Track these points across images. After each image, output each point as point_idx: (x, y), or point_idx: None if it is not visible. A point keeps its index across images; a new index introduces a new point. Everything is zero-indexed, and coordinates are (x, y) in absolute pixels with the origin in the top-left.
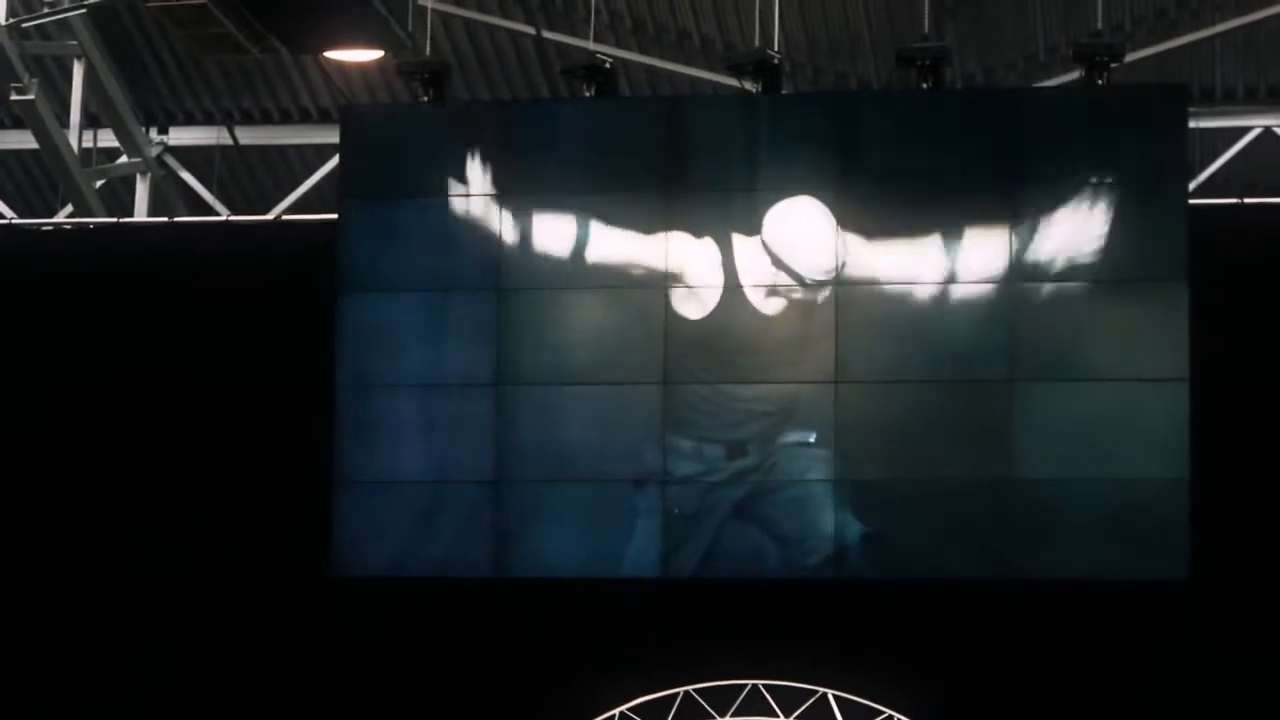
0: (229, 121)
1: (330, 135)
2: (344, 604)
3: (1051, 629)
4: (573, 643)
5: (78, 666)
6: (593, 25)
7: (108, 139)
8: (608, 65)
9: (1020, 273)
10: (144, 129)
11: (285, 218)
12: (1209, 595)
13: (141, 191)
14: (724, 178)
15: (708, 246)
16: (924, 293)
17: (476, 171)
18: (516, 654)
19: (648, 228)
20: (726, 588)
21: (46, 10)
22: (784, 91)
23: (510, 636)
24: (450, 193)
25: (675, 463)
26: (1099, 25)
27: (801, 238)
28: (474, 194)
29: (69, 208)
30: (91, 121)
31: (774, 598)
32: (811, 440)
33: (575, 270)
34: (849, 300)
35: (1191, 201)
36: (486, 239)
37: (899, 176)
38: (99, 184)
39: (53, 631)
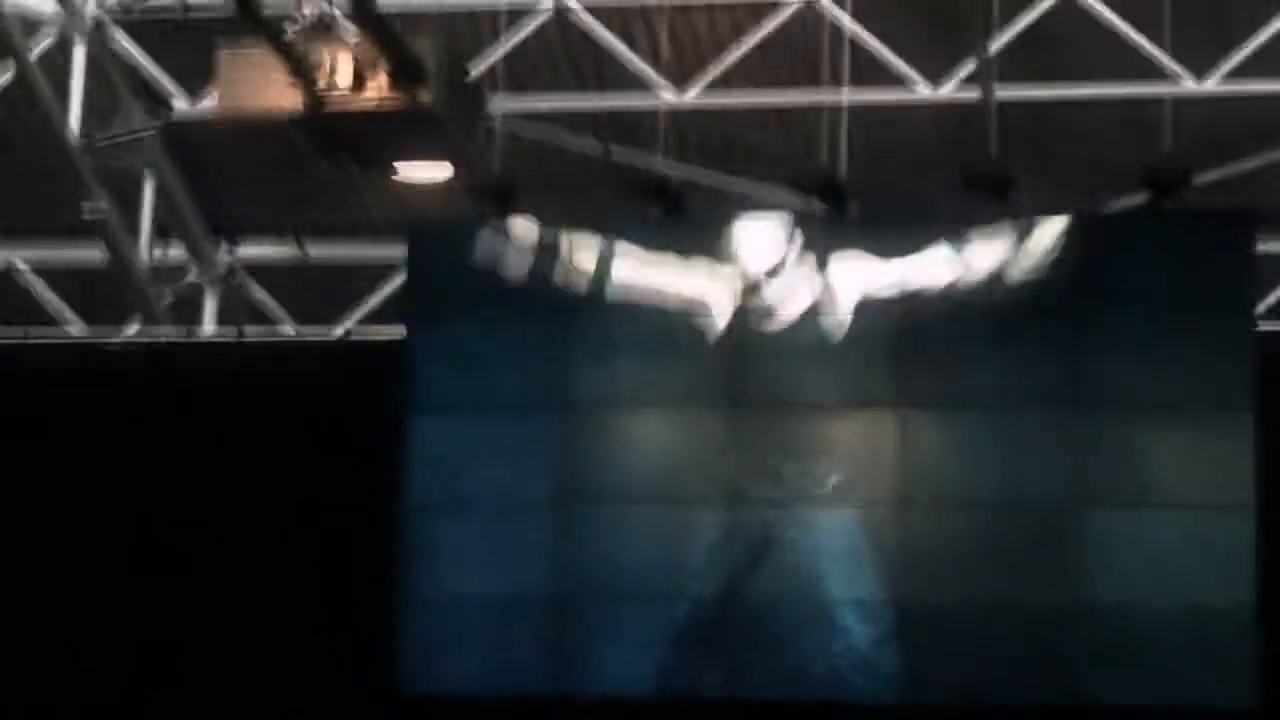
0: (298, 235)
1: (398, 250)
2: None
3: None
4: None
5: None
6: (661, 144)
7: (177, 252)
8: (674, 183)
9: (1090, 398)
10: (213, 242)
11: (353, 336)
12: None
13: (210, 306)
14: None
15: (771, 364)
16: (995, 417)
17: (542, 289)
18: None
19: (713, 344)
20: (794, 709)
21: (122, 131)
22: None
23: None
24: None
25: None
26: (1166, 148)
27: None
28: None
29: (138, 322)
30: (161, 234)
31: None
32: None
33: (640, 389)
34: (917, 424)
35: (1260, 327)
36: (552, 357)
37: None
38: (168, 301)
39: None
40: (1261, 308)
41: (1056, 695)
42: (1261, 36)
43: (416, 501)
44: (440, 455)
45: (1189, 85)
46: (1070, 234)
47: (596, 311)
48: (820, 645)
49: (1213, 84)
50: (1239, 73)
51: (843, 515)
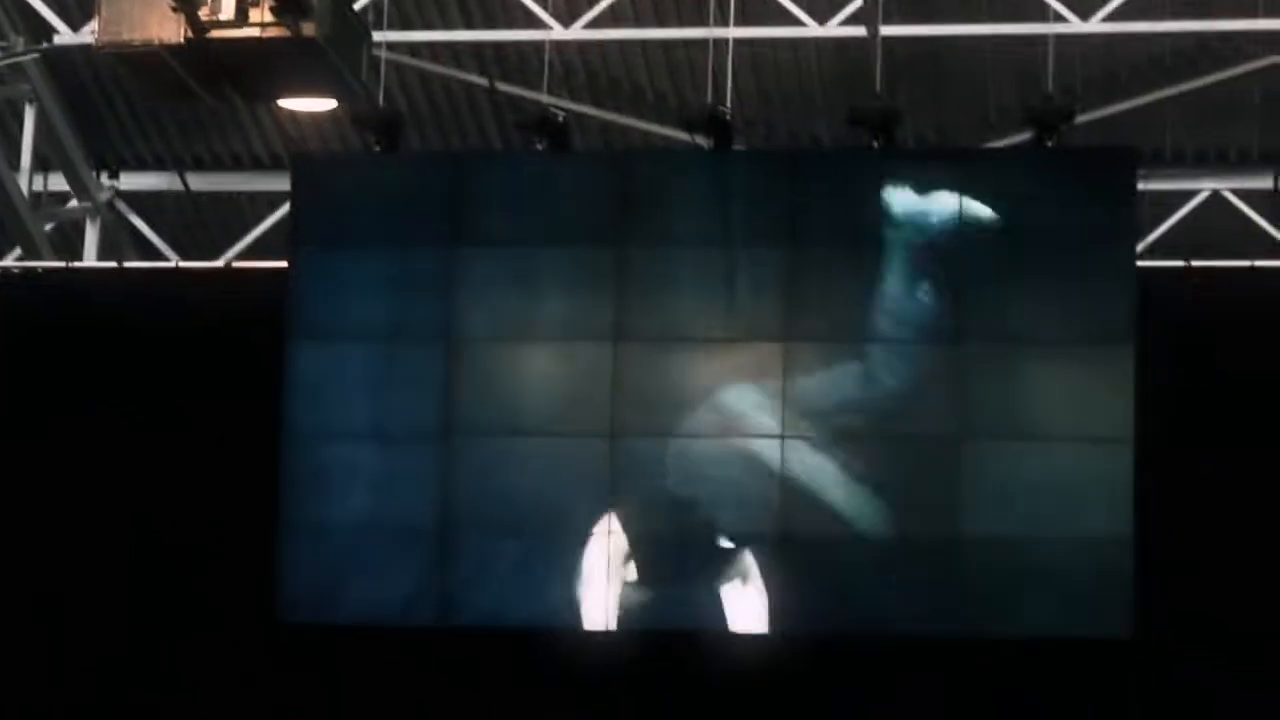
0: (180, 167)
1: (282, 182)
2: (288, 650)
3: (998, 687)
4: (516, 695)
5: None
6: (546, 78)
7: (58, 183)
8: (561, 119)
9: (969, 332)
10: (95, 173)
11: (235, 264)
12: (1153, 654)
13: (91, 236)
14: (674, 232)
15: (655, 300)
16: (872, 350)
17: (427, 222)
18: (457, 706)
19: (597, 281)
20: (676, 641)
21: (0, 55)
22: (736, 148)
23: (452, 687)
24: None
25: (623, 518)
26: (1050, 88)
27: (748, 292)
28: (424, 244)
29: (17, 251)
30: (42, 165)
31: (724, 652)
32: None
33: (524, 322)
34: (796, 354)
35: (1140, 264)
36: (436, 289)
37: (847, 234)
38: (48, 228)
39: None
40: (1142, 246)
41: (942, 626)
42: None
43: (299, 429)
44: (323, 384)
45: (1074, 24)
46: (953, 170)
47: (480, 243)
48: (705, 577)
49: (1096, 23)
50: (1122, 13)
51: (725, 448)
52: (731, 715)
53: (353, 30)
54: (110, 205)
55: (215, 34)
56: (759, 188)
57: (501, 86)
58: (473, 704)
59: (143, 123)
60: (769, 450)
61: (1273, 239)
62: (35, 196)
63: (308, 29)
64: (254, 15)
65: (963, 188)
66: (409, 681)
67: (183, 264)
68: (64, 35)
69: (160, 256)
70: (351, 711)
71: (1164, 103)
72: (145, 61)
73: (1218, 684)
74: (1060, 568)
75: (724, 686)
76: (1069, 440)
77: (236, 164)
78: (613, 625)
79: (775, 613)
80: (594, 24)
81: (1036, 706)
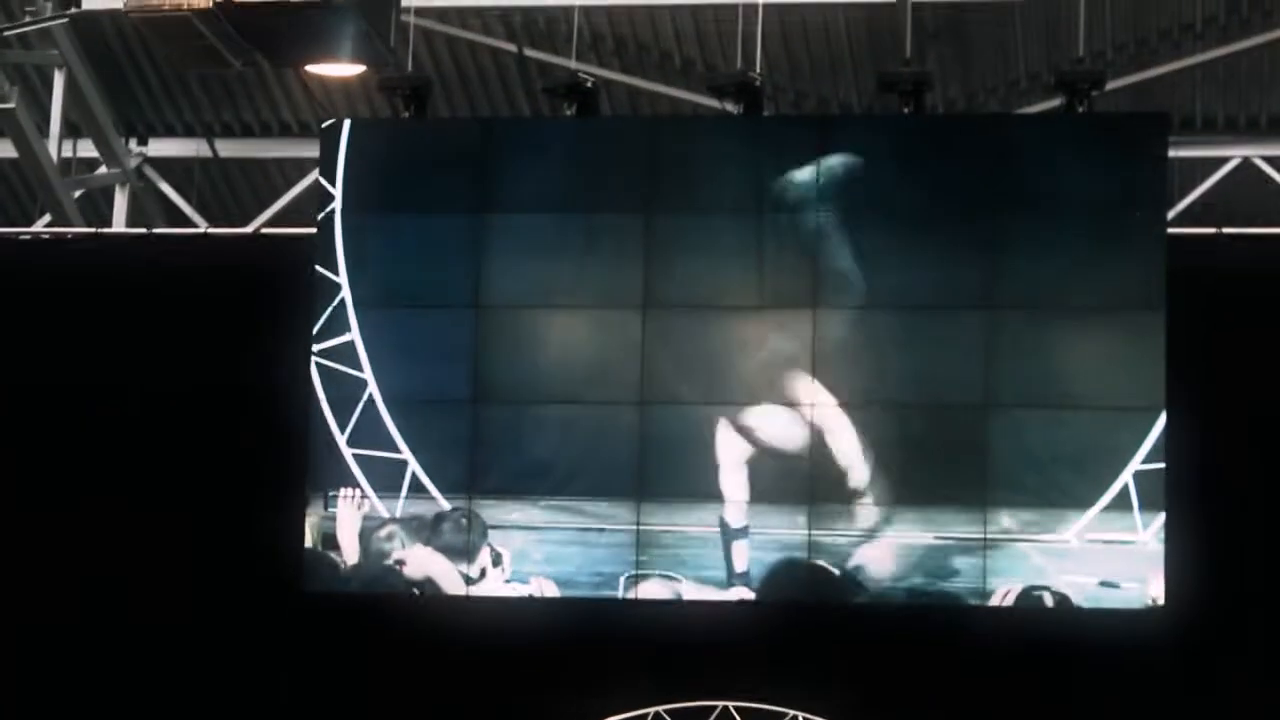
0: (209, 133)
1: (310, 149)
2: (317, 619)
3: (1026, 654)
4: (542, 661)
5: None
6: (575, 44)
7: (87, 149)
8: (589, 85)
9: (998, 298)
10: (124, 140)
11: (264, 231)
12: (1183, 616)
13: (120, 202)
14: (704, 199)
15: (684, 267)
16: (901, 316)
17: (456, 188)
18: (483, 672)
19: (627, 247)
20: (699, 609)
21: (29, 19)
22: (765, 114)
23: (478, 654)
24: (430, 209)
25: (653, 507)
26: (1080, 53)
27: (776, 259)
28: (454, 210)
29: (47, 217)
30: (71, 131)
31: (745, 619)
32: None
33: (553, 289)
34: (827, 321)
35: (1169, 231)
36: (464, 255)
37: (877, 199)
38: (78, 194)
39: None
40: (1172, 213)
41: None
42: None
43: (332, 397)
44: (350, 347)
45: None
46: (984, 136)
47: (509, 210)
48: (725, 549)
49: None
50: None
51: (760, 414)
52: (759, 678)
53: None
54: (139, 172)
55: None
56: (789, 153)
57: (530, 52)
58: (494, 672)
59: (171, 89)
60: (795, 418)
61: None
62: (64, 163)
63: None
64: None
65: (992, 153)
66: (433, 646)
67: (211, 230)
68: (93, 1)
69: (189, 223)
70: (377, 676)
71: (1194, 69)
72: (174, 27)
73: (1240, 652)
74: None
75: (749, 653)
76: (1099, 409)
77: (265, 131)
78: (632, 595)
79: (804, 585)
80: None
81: (1069, 673)
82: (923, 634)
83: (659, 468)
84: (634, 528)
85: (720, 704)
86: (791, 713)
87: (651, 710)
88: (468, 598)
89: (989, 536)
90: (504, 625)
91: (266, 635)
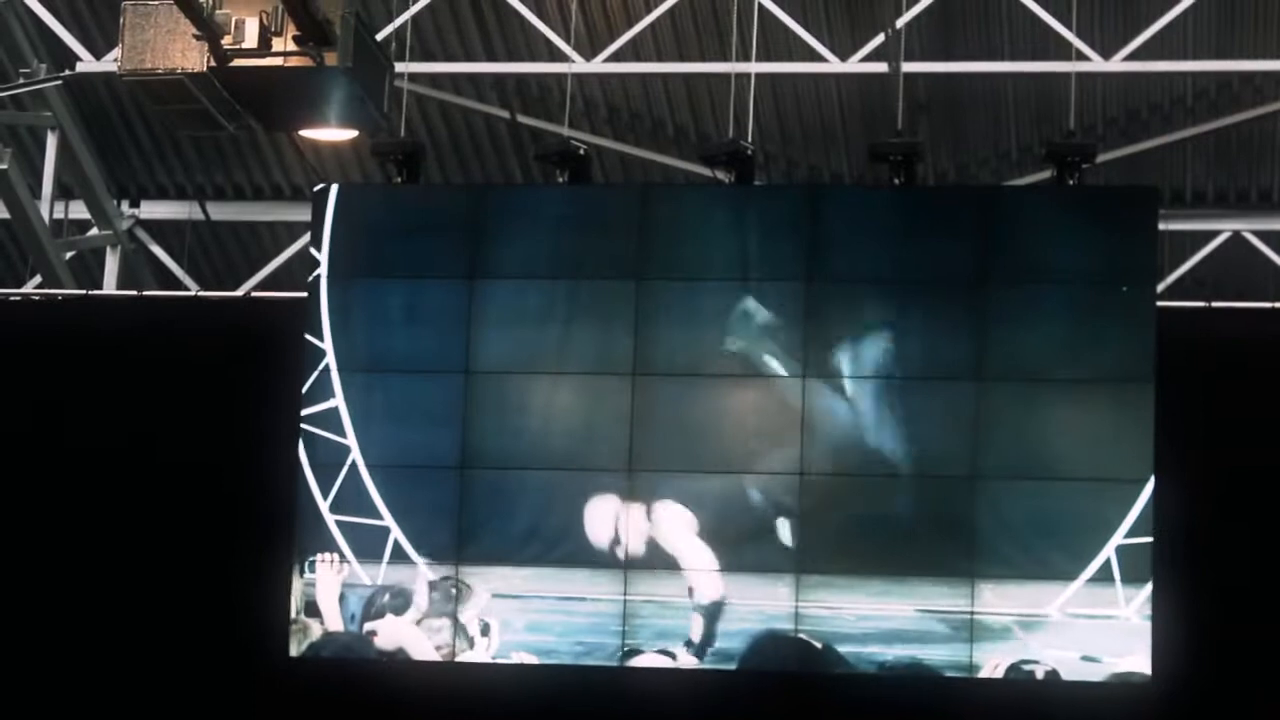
0: (201, 196)
1: (302, 212)
2: (304, 684)
3: None
4: None
5: None
6: (568, 111)
7: (79, 211)
8: (582, 151)
9: (987, 370)
10: (115, 202)
11: (254, 294)
12: (1171, 692)
13: (111, 264)
14: (694, 266)
15: (675, 334)
16: (890, 386)
17: (447, 253)
18: None
19: (618, 314)
20: (690, 679)
21: (22, 81)
22: (756, 183)
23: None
24: (420, 275)
25: (640, 576)
26: (1071, 126)
27: (766, 329)
28: (444, 276)
29: (38, 278)
30: (63, 193)
31: (731, 689)
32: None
33: (543, 355)
34: (816, 392)
35: (1160, 304)
36: (454, 321)
37: (868, 270)
38: (69, 255)
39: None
40: (1162, 286)
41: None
42: (1166, 17)
43: (316, 463)
44: (337, 416)
45: (1095, 63)
46: (975, 208)
47: (499, 276)
48: (717, 617)
49: (1118, 62)
50: (1143, 52)
51: (741, 483)
52: None
53: (375, 61)
54: (130, 234)
55: (238, 63)
56: (779, 223)
57: (522, 119)
58: None
59: (164, 151)
60: (789, 488)
61: None
62: (56, 224)
63: (330, 59)
64: (277, 44)
65: (982, 225)
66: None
67: (202, 293)
68: (86, 63)
69: (180, 286)
70: None
71: (1185, 143)
72: (168, 90)
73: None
74: None
75: None
76: (1088, 480)
77: (257, 194)
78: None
79: (795, 658)
80: (615, 57)
81: None
82: (911, 707)
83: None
84: (620, 598)
85: None
86: None
87: None
88: (455, 663)
89: (973, 611)
90: (491, 692)
91: (247, 701)
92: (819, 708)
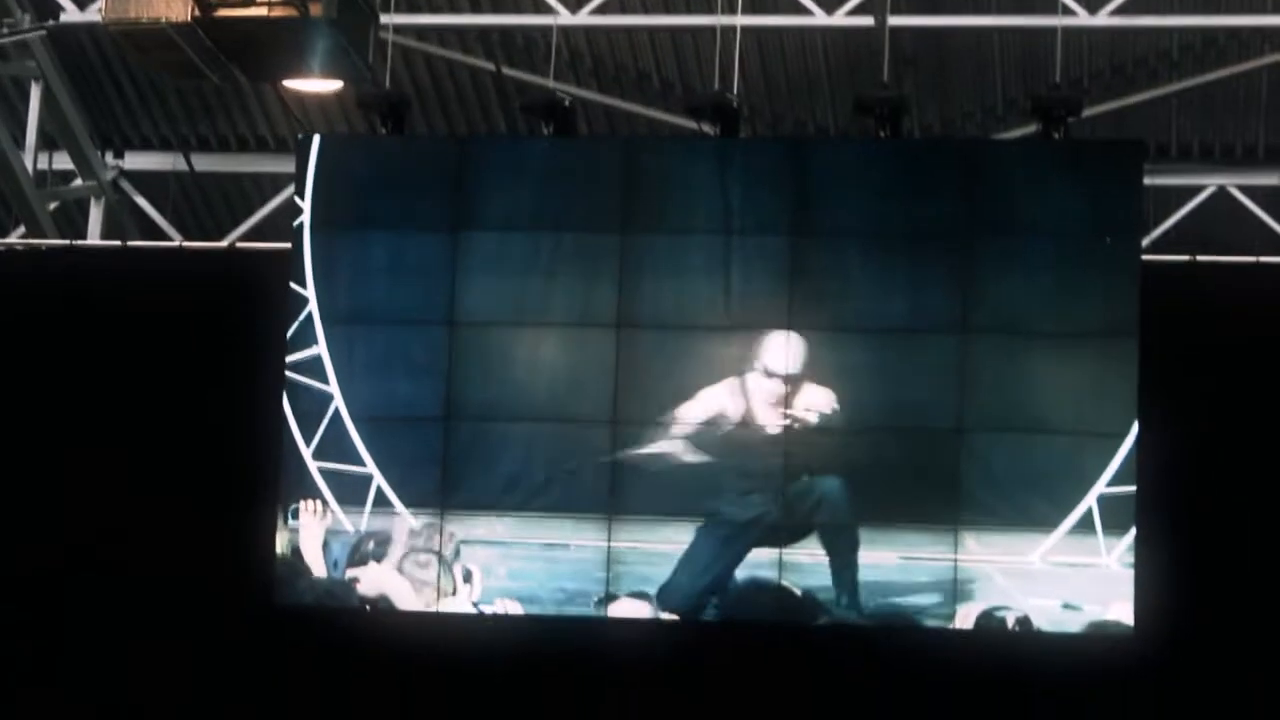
0: (185, 147)
1: (286, 165)
2: (288, 632)
3: (996, 674)
4: (512, 676)
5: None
6: (553, 64)
7: (63, 162)
8: (567, 104)
9: (972, 323)
10: (99, 153)
11: (239, 245)
12: (1157, 639)
13: (95, 215)
14: (679, 219)
15: (659, 287)
16: (875, 341)
17: (431, 205)
18: (452, 686)
19: (602, 266)
20: (669, 630)
21: (5, 31)
22: (741, 135)
23: (448, 669)
24: (405, 226)
25: (624, 523)
26: (1057, 79)
27: (751, 281)
28: (429, 228)
29: (21, 229)
30: (47, 143)
31: (723, 639)
32: None
33: (527, 308)
34: (798, 345)
35: (1144, 258)
36: (439, 273)
37: (853, 223)
38: (52, 206)
39: None
40: (1147, 241)
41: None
42: None
43: (299, 411)
44: (339, 370)
45: (1081, 17)
46: (959, 161)
47: (484, 228)
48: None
49: (1104, 16)
50: (1130, 7)
51: (727, 438)
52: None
53: (359, 12)
54: (114, 185)
55: (222, 13)
56: (764, 176)
57: (508, 71)
58: (463, 686)
59: (148, 102)
60: (772, 439)
61: (1277, 235)
62: (40, 175)
63: (315, 9)
64: None
65: (969, 178)
66: (399, 662)
67: (186, 244)
68: (70, 13)
69: (164, 237)
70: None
71: (1170, 97)
72: (152, 40)
73: (1212, 675)
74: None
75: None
76: (1070, 434)
77: (241, 145)
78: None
79: (782, 606)
80: (601, 9)
81: (1038, 698)
82: (891, 655)
83: (630, 485)
84: (604, 544)
85: None
86: None
87: None
88: (437, 614)
89: (955, 558)
90: (473, 642)
91: (230, 646)
92: (798, 660)
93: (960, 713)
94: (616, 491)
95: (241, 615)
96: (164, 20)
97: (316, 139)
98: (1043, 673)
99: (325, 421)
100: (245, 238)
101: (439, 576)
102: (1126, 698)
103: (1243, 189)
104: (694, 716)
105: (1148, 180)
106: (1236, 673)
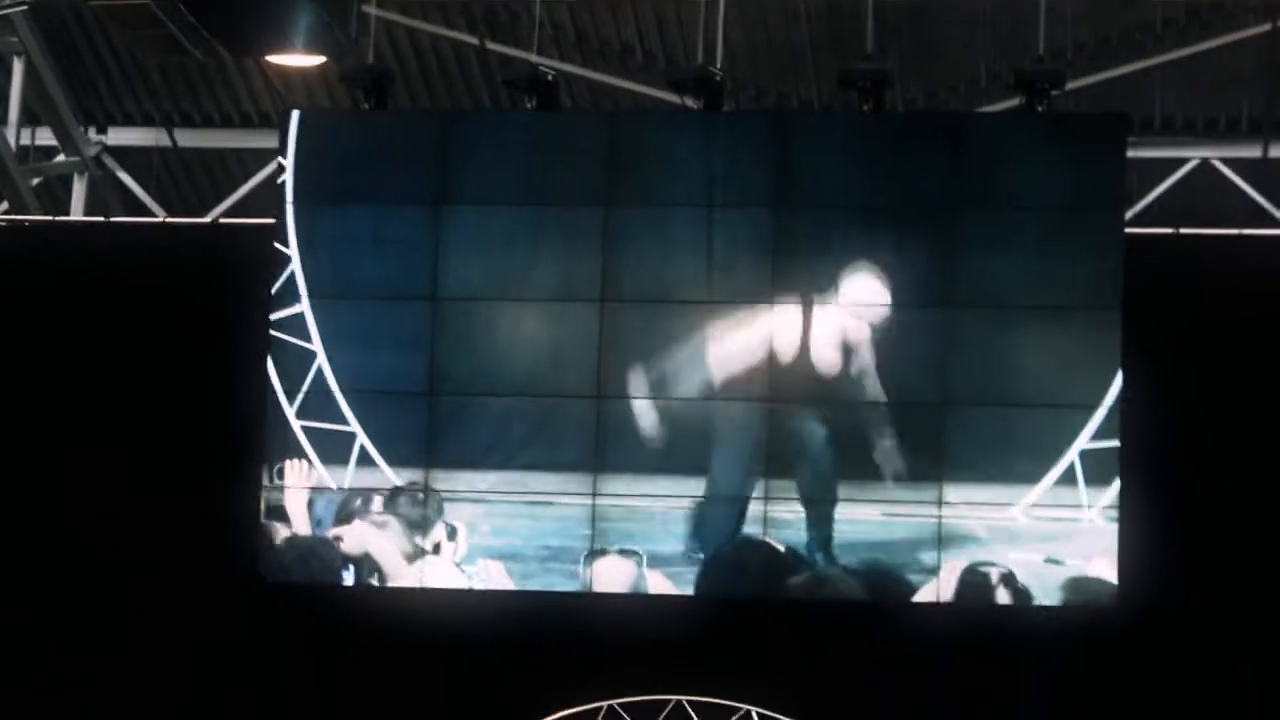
0: (168, 123)
1: (270, 140)
2: (277, 609)
3: (979, 650)
4: (497, 652)
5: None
6: (536, 37)
7: (46, 137)
8: (550, 78)
9: (955, 296)
10: (83, 128)
11: (222, 220)
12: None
13: (78, 191)
14: (662, 192)
15: (642, 260)
16: (859, 313)
17: (415, 179)
18: (439, 662)
19: (585, 240)
20: (658, 603)
21: None
22: (725, 109)
23: (435, 644)
24: (389, 200)
25: (608, 480)
26: (1041, 52)
27: (734, 254)
28: (412, 202)
29: (4, 204)
30: (30, 119)
31: (696, 610)
32: None
33: (511, 282)
34: (785, 318)
35: (1128, 230)
36: (423, 247)
37: (836, 196)
38: (36, 182)
39: None
40: (1130, 213)
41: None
42: None
43: (283, 369)
44: (325, 338)
45: None
46: (944, 134)
47: (468, 202)
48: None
49: None
50: None
51: (710, 410)
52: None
53: None
54: (98, 160)
55: None
56: (748, 149)
57: (491, 45)
58: (450, 662)
59: (131, 78)
60: (754, 412)
61: (1261, 207)
62: (23, 150)
63: None
64: None
65: (952, 152)
66: (386, 636)
67: (170, 219)
68: None
69: (147, 212)
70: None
71: (1154, 70)
72: (134, 15)
73: (1191, 649)
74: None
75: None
76: (1054, 406)
77: (225, 121)
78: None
79: (760, 577)
80: None
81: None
82: (873, 620)
83: (614, 447)
84: (589, 502)
85: (673, 699)
86: (745, 708)
87: (604, 704)
88: (420, 589)
89: (939, 515)
90: (456, 613)
91: (214, 610)
92: (780, 630)
93: (942, 679)
94: (600, 449)
95: (228, 587)
96: None
97: (299, 114)
98: (1028, 638)
99: (309, 379)
100: (229, 213)
101: (423, 533)
102: (1109, 671)
103: (1226, 161)
104: (690, 687)
105: (1131, 153)
106: (1218, 632)
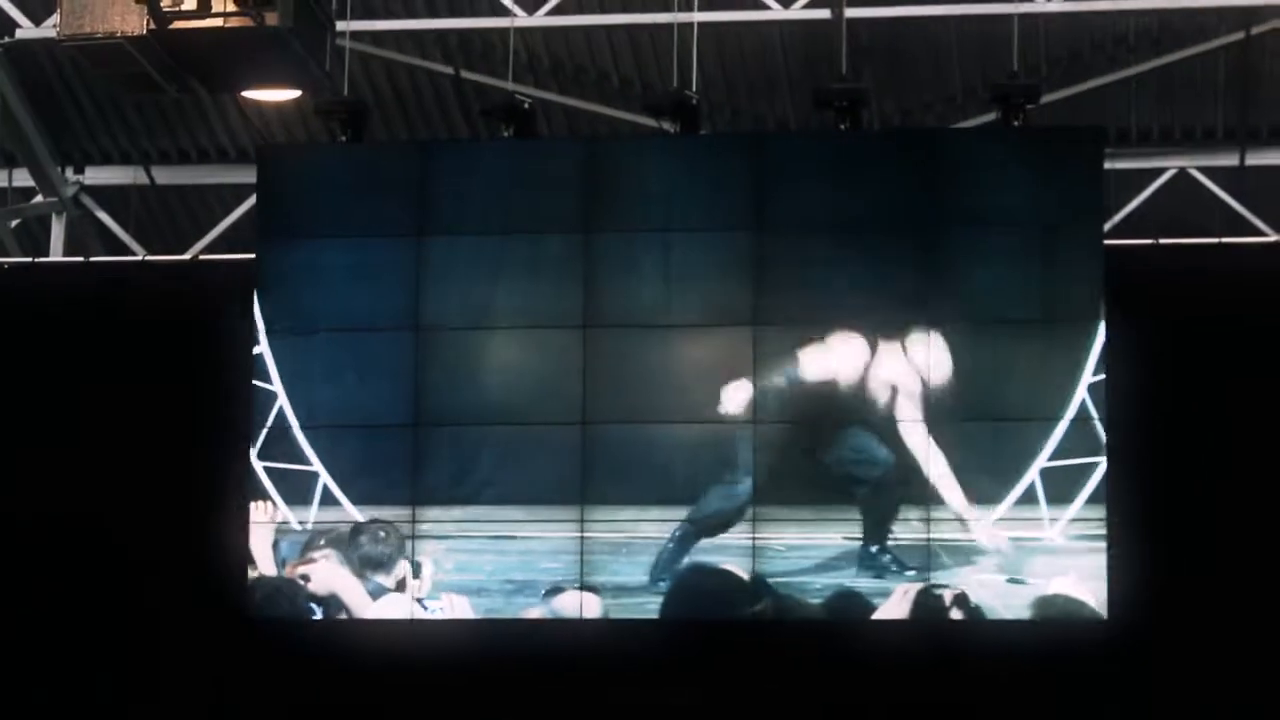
0: (145, 161)
1: (249, 175)
2: (262, 644)
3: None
4: (486, 683)
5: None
6: (511, 66)
7: (23, 178)
8: (526, 106)
9: (935, 313)
10: (60, 168)
11: (202, 257)
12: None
13: (57, 231)
14: (641, 217)
15: (624, 286)
16: (839, 332)
17: (394, 211)
18: (430, 693)
19: (565, 268)
20: (619, 628)
21: None
22: (702, 132)
23: (425, 676)
24: (368, 233)
25: (593, 507)
26: (1015, 67)
27: (715, 278)
28: (391, 234)
29: None
30: (7, 161)
31: (707, 639)
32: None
33: (493, 311)
34: (764, 340)
35: (1106, 242)
36: (403, 279)
37: (815, 215)
38: (14, 224)
39: None
40: (1109, 225)
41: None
42: None
43: (268, 424)
44: (293, 376)
45: (1037, 3)
46: (920, 151)
47: (448, 232)
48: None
49: (1060, 2)
50: None
51: (694, 433)
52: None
53: (316, 20)
54: (76, 200)
55: (178, 25)
56: (726, 172)
57: (466, 75)
58: (441, 692)
59: (107, 117)
60: (739, 435)
61: (1239, 215)
62: (0, 193)
63: (271, 19)
64: (216, 5)
65: (929, 169)
66: (376, 670)
67: (149, 258)
68: (26, 29)
69: (127, 251)
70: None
71: (1129, 81)
72: (108, 54)
73: (1186, 662)
74: None
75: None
76: (1035, 420)
77: (202, 157)
78: (590, 615)
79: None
80: (557, 10)
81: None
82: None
83: (604, 478)
84: (567, 534)
85: None
86: None
87: None
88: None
89: (899, 538)
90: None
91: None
92: (739, 654)
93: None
94: (577, 481)
95: (222, 627)
96: (119, 34)
97: (276, 149)
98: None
99: (269, 422)
100: (208, 249)
101: (386, 572)
102: (1097, 685)
103: (1203, 170)
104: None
105: (1108, 164)
106: (1198, 647)
